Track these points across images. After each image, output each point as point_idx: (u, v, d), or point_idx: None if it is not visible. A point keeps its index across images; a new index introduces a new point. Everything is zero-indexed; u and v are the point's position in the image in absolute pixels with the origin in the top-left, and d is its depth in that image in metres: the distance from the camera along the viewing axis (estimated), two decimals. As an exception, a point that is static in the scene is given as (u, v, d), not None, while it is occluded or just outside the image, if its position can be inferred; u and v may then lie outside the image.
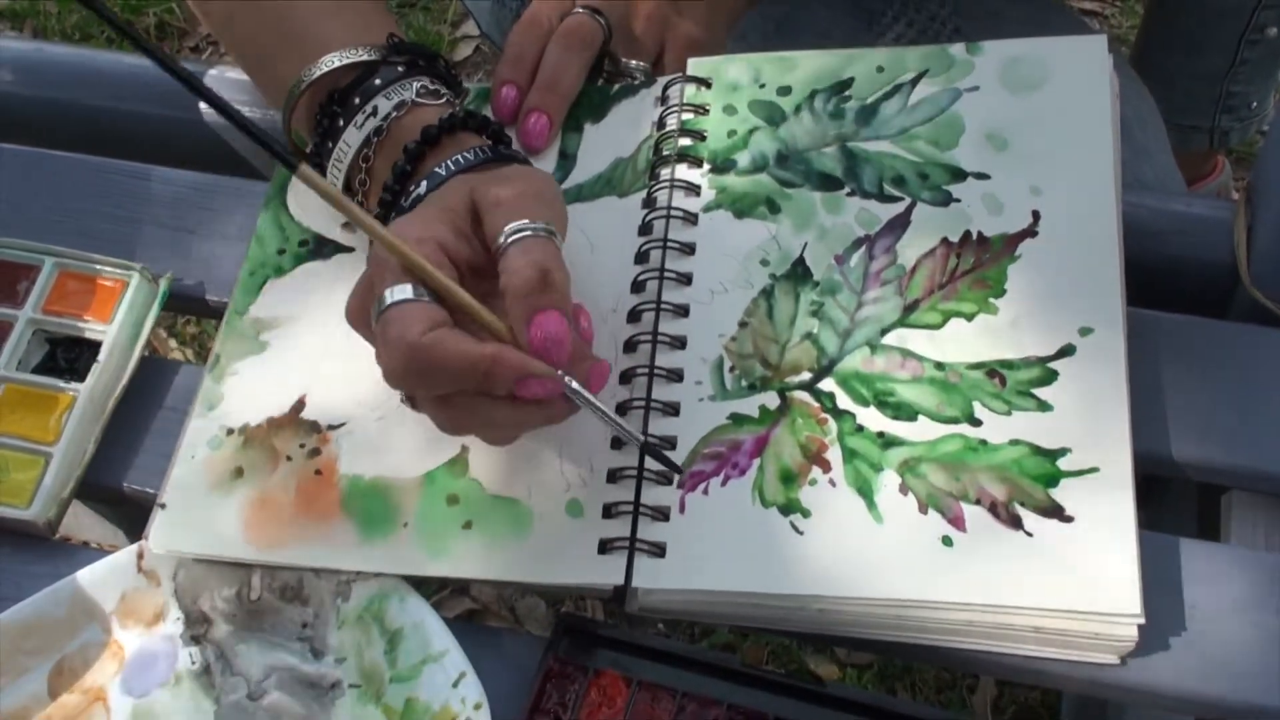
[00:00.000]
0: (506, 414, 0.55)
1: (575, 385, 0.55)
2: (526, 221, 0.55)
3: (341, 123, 0.64)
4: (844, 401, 0.60)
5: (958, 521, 0.56)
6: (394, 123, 0.64)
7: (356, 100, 0.64)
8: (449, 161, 0.61)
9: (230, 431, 0.64)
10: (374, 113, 0.64)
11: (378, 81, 0.64)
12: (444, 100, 0.65)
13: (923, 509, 0.56)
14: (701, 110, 0.69)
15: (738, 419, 0.60)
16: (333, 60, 0.64)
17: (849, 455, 0.58)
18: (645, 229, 0.66)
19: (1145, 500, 0.56)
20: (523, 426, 0.58)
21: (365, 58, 0.65)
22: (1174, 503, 0.76)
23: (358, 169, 0.65)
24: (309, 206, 0.72)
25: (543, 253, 0.54)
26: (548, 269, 0.53)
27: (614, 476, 0.59)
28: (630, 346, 0.63)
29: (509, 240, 0.54)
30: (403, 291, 0.53)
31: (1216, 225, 0.71)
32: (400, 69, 0.65)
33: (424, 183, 0.61)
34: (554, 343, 0.53)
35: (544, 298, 0.53)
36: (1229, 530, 0.64)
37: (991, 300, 0.61)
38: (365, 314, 0.55)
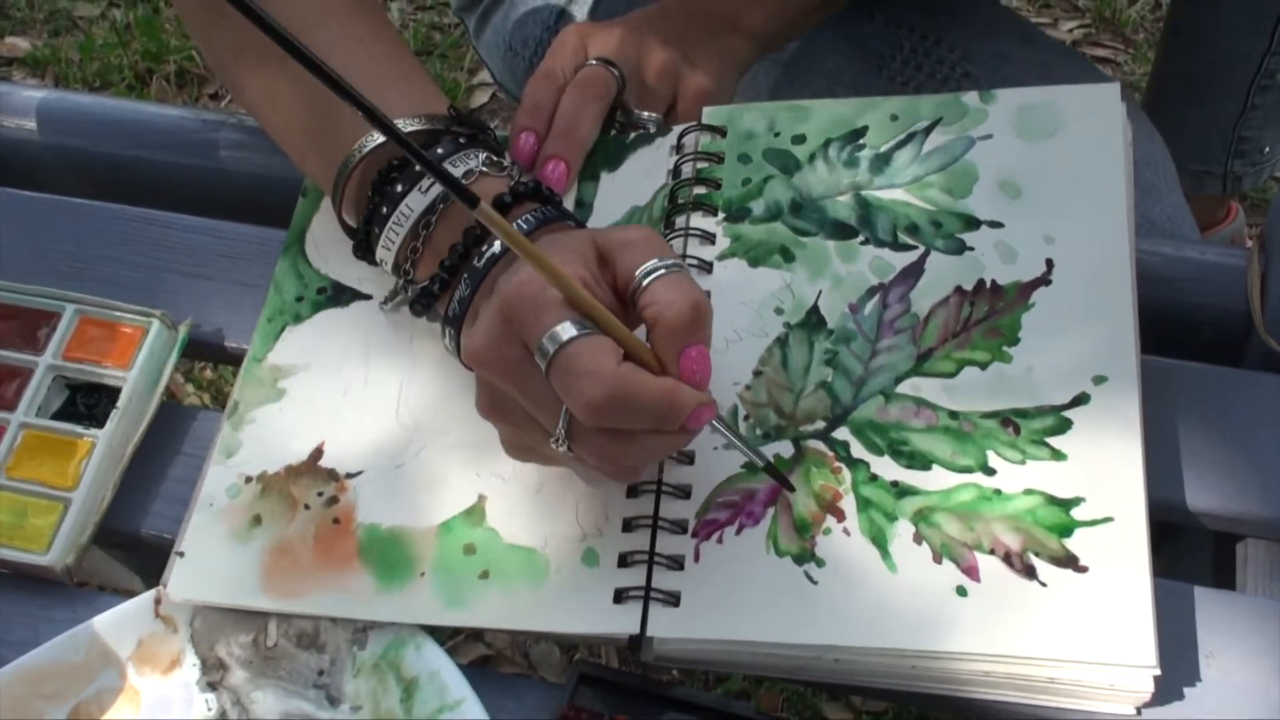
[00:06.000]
0: (659, 443, 0.54)
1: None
2: (664, 259, 0.54)
3: (401, 188, 0.64)
4: (858, 450, 0.60)
5: (972, 571, 0.56)
6: None
7: (418, 167, 0.63)
8: (520, 221, 0.60)
9: (248, 479, 0.65)
10: None
11: (440, 150, 0.64)
12: (505, 173, 0.65)
13: (937, 559, 0.56)
14: (716, 159, 0.70)
15: (752, 468, 0.60)
16: (398, 126, 0.64)
17: (863, 504, 0.58)
18: (661, 277, 0.66)
19: (1160, 548, 0.55)
20: (661, 455, 0.59)
21: (429, 126, 0.65)
22: (1189, 550, 0.76)
23: (414, 235, 0.64)
24: (327, 254, 0.72)
25: (692, 288, 0.54)
26: (700, 304, 0.53)
27: (629, 525, 0.60)
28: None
29: (653, 276, 0.54)
30: (579, 326, 0.52)
31: (1230, 273, 0.71)
32: (462, 140, 0.65)
33: (497, 242, 0.60)
34: (703, 376, 0.54)
35: (698, 333, 0.53)
36: (1244, 578, 0.64)
37: (1005, 349, 0.61)
38: (500, 354, 0.54)
